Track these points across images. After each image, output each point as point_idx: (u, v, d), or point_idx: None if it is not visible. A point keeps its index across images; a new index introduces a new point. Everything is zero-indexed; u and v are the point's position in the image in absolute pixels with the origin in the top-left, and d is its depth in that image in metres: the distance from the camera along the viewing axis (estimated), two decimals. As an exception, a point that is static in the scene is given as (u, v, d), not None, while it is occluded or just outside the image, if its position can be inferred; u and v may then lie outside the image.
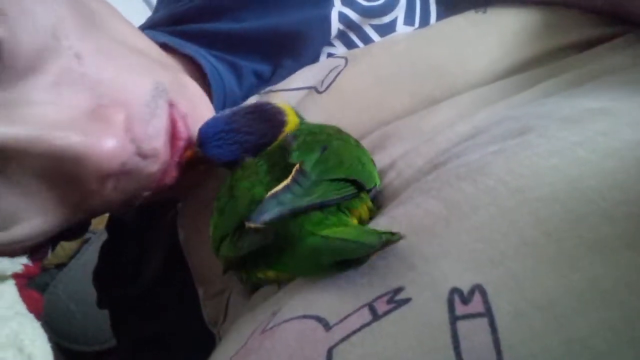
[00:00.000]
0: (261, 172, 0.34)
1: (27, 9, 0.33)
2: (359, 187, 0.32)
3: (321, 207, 0.30)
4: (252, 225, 0.27)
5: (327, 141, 0.34)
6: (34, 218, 0.36)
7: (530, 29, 0.42)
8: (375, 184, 0.35)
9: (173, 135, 0.39)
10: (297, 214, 0.29)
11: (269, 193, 0.29)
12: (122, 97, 0.37)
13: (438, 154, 0.35)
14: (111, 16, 0.42)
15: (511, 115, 0.35)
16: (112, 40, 0.39)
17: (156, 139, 0.37)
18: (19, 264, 0.32)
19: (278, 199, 0.28)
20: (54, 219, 0.37)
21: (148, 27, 0.54)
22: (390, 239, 0.25)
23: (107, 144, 0.34)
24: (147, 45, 0.44)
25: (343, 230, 0.29)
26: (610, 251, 0.21)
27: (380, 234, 0.26)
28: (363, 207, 0.33)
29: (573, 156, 0.26)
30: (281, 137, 0.37)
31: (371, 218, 0.33)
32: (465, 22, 0.44)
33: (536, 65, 0.41)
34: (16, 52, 0.33)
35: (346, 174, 0.31)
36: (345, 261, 0.27)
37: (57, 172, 0.34)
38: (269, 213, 0.27)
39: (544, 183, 0.25)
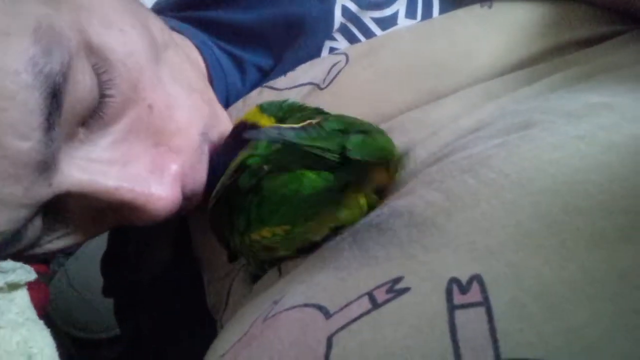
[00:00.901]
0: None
1: (123, 61, 0.34)
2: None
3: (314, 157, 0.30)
4: (247, 136, 0.29)
5: (349, 125, 0.34)
6: (69, 237, 0.38)
7: (537, 24, 0.42)
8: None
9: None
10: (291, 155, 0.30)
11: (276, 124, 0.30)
12: (179, 145, 0.39)
13: (442, 147, 0.36)
14: (167, 47, 0.42)
15: (515, 109, 0.35)
16: (173, 80, 0.40)
17: (199, 182, 0.40)
18: (33, 272, 0.33)
19: (280, 130, 0.29)
20: (87, 237, 0.39)
21: (155, 12, 0.54)
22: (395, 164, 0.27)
23: (166, 195, 0.37)
24: (196, 76, 0.45)
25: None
26: (607, 243, 0.22)
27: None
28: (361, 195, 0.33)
29: (574, 150, 0.27)
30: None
31: (370, 206, 0.34)
32: (470, 17, 0.44)
33: (542, 61, 0.41)
34: (112, 109, 0.35)
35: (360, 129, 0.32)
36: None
37: (110, 210, 0.37)
38: (267, 134, 0.29)
39: (545, 176, 0.26)
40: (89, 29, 0.33)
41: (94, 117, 0.34)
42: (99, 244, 0.60)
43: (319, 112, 0.39)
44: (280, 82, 0.48)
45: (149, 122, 0.37)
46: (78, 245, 0.40)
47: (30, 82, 0.28)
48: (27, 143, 0.29)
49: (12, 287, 0.31)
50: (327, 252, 0.31)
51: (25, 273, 0.31)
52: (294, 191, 0.31)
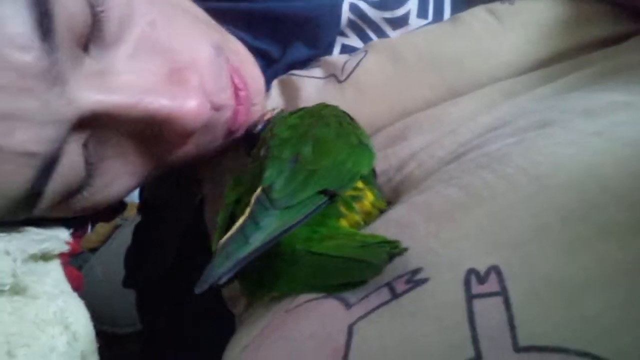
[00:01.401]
0: (245, 174, 0.35)
1: None
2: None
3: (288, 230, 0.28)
4: (197, 292, 0.25)
5: (305, 137, 0.33)
6: (124, 177, 0.39)
7: (559, 22, 0.42)
8: (360, 175, 0.33)
9: (234, 87, 0.42)
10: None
11: (221, 241, 0.27)
12: (192, 58, 0.39)
13: (460, 146, 0.36)
14: None
15: (534, 108, 0.35)
16: (170, 5, 0.41)
17: (224, 92, 0.41)
18: (65, 243, 0.34)
19: (227, 250, 0.26)
20: (139, 176, 0.41)
21: None
22: (394, 252, 0.25)
23: (192, 105, 0.37)
24: (192, 5, 0.46)
25: (336, 244, 0.28)
26: (622, 235, 0.22)
27: (382, 246, 0.26)
28: (363, 203, 0.33)
29: (591, 145, 0.27)
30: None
31: (381, 210, 0.34)
32: (490, 14, 0.44)
33: (562, 59, 0.41)
34: (108, 25, 0.35)
35: (316, 187, 0.30)
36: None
37: (145, 133, 0.38)
38: (212, 277, 0.26)
39: (562, 171, 0.26)
40: None
41: (95, 40, 0.35)
42: (123, 241, 0.61)
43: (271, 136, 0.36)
44: (300, 71, 0.49)
45: (155, 38, 0.38)
46: (124, 192, 0.41)
47: None
48: (28, 54, 0.30)
49: (46, 257, 0.32)
50: None
51: (58, 243, 0.32)
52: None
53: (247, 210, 0.28)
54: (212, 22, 0.46)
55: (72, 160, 0.35)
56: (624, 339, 0.19)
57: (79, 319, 0.31)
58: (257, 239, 0.26)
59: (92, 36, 0.35)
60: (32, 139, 0.32)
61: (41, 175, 0.33)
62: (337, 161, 0.32)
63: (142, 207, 0.62)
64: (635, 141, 0.26)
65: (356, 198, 0.33)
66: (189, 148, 0.40)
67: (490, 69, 0.41)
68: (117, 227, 0.89)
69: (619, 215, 0.23)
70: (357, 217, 0.32)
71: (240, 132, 0.44)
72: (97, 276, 0.82)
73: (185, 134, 0.38)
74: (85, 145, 0.36)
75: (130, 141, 0.38)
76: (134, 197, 0.84)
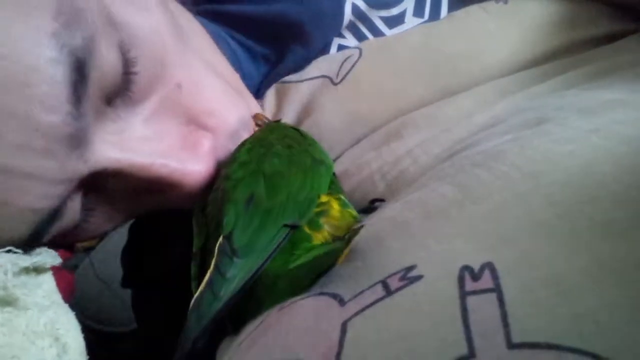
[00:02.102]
0: (205, 217, 0.35)
1: (147, 39, 0.35)
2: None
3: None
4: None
5: (256, 174, 0.33)
6: (116, 218, 0.40)
7: (553, 21, 0.42)
8: (319, 195, 0.34)
9: None
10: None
11: (191, 302, 0.28)
12: (212, 124, 0.40)
13: (455, 143, 0.36)
14: (193, 33, 0.44)
15: (529, 106, 0.35)
16: (201, 62, 0.41)
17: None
18: (57, 257, 0.34)
19: (199, 311, 0.27)
20: (131, 217, 0.42)
21: None
22: (352, 234, 0.26)
23: (200, 170, 0.37)
24: (225, 66, 0.46)
25: (308, 253, 0.30)
26: (619, 232, 0.22)
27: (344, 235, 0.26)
28: (330, 214, 0.33)
29: (588, 143, 0.27)
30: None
31: (353, 215, 0.34)
32: (485, 13, 0.45)
33: (557, 58, 0.41)
34: (139, 86, 0.36)
35: (276, 226, 0.30)
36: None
37: (148, 189, 0.38)
38: (188, 342, 0.26)
39: (558, 168, 0.26)
40: (112, 5, 0.34)
41: (122, 96, 0.35)
42: (122, 236, 0.61)
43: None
44: (295, 76, 0.49)
45: (179, 101, 0.38)
46: (111, 229, 0.41)
47: (54, 56, 0.29)
48: (57, 116, 0.30)
49: (38, 270, 0.32)
50: None
51: (50, 257, 0.32)
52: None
53: (212, 262, 0.29)
54: (244, 89, 0.46)
55: (73, 208, 0.35)
56: (620, 337, 0.19)
57: (69, 330, 0.31)
58: (226, 292, 0.27)
59: (120, 93, 0.35)
60: (41, 196, 0.32)
61: (43, 225, 0.33)
62: (292, 193, 0.32)
63: None
64: (631, 139, 0.26)
65: (321, 214, 0.33)
66: (186, 203, 0.41)
67: (485, 67, 0.41)
68: (113, 226, 0.89)
69: (616, 212, 0.23)
70: (326, 233, 0.32)
71: None
72: (91, 276, 0.82)
73: (188, 196, 0.38)
74: (85, 195, 0.36)
75: (130, 193, 0.38)
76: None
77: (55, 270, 0.35)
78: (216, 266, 0.28)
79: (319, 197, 0.33)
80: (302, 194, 0.32)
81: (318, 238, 0.32)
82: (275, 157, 0.34)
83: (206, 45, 0.44)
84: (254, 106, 0.46)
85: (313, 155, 0.36)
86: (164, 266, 0.55)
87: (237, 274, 0.28)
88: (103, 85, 0.33)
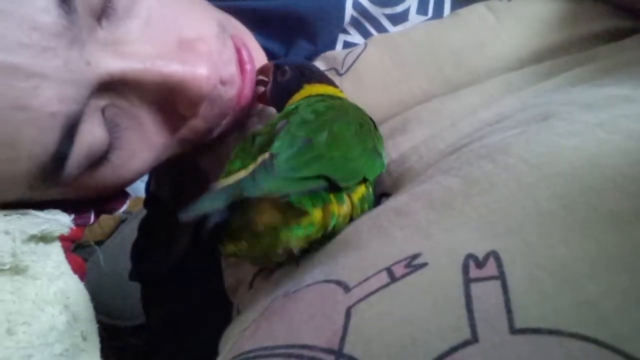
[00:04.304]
0: (254, 145, 0.35)
1: None
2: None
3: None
4: (181, 219, 0.26)
5: (324, 126, 0.34)
6: (143, 150, 0.41)
7: (556, 17, 0.43)
8: (364, 178, 0.34)
9: (240, 61, 0.45)
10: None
11: (215, 185, 0.28)
12: (198, 32, 0.42)
13: (460, 139, 0.36)
14: None
15: (536, 102, 0.36)
16: None
17: (230, 65, 0.43)
18: (66, 226, 0.34)
19: (219, 193, 0.27)
20: (157, 151, 0.43)
21: None
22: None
23: (202, 71, 0.39)
24: None
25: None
26: (623, 223, 0.22)
27: None
28: (352, 198, 0.33)
29: (593, 136, 0.27)
30: (292, 100, 0.40)
31: (351, 218, 0.34)
32: (488, 10, 0.45)
33: (562, 54, 0.41)
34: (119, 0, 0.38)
35: (320, 171, 0.30)
36: None
37: (159, 101, 0.40)
38: (198, 210, 0.26)
39: (564, 161, 0.26)
40: None
41: (107, 12, 0.37)
42: (127, 234, 0.62)
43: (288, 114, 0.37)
44: None
45: (163, 13, 0.40)
46: (143, 165, 0.42)
47: None
48: (49, 15, 0.33)
49: (46, 239, 0.32)
50: (345, 236, 0.32)
51: (58, 225, 0.32)
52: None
53: (250, 167, 0.29)
54: (211, 5, 0.48)
55: (93, 125, 0.37)
56: (624, 324, 0.19)
57: (79, 299, 0.31)
58: (251, 193, 0.27)
59: (105, 10, 0.37)
60: (55, 98, 0.33)
61: (65, 136, 0.35)
62: (346, 156, 0.33)
63: (148, 201, 0.62)
64: (636, 133, 0.26)
65: (349, 189, 0.33)
66: (199, 122, 0.42)
67: (487, 61, 0.42)
68: (122, 221, 0.90)
69: (621, 203, 0.23)
70: (345, 209, 0.33)
71: (244, 111, 0.46)
72: (101, 269, 0.83)
73: (196, 99, 0.40)
74: (103, 113, 0.38)
75: (145, 110, 0.40)
76: (140, 192, 0.84)
77: (68, 252, 0.36)
78: (252, 172, 0.28)
79: (363, 178, 0.34)
80: (353, 164, 0.33)
81: (337, 210, 0.32)
82: (346, 124, 0.35)
83: None
84: (233, 20, 0.48)
85: (377, 145, 0.37)
86: (172, 261, 0.56)
87: (267, 186, 0.27)
88: (88, 2, 0.35)
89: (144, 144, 0.41)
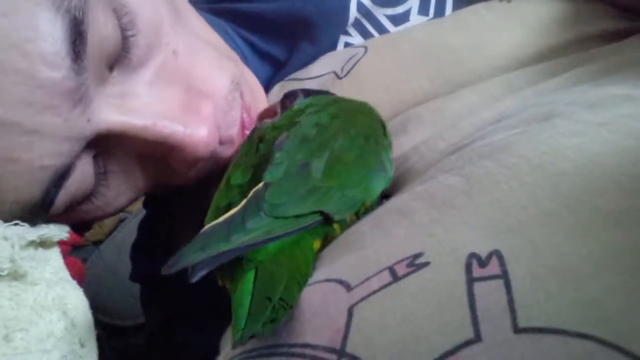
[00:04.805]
0: (258, 152, 0.34)
1: (142, 7, 0.37)
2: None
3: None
4: (164, 273, 0.25)
5: (325, 145, 0.32)
6: (127, 191, 0.41)
7: (556, 17, 0.43)
8: (363, 202, 0.32)
9: (242, 125, 0.44)
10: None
11: (204, 228, 0.27)
12: (208, 90, 0.41)
13: (461, 138, 0.36)
14: (188, 10, 0.45)
15: (538, 102, 0.36)
16: (194, 35, 0.43)
17: (232, 128, 0.43)
18: (65, 231, 0.34)
19: (205, 242, 0.25)
20: (140, 192, 0.42)
21: None
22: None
23: (202, 134, 0.39)
24: (215, 37, 0.47)
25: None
26: (627, 222, 0.22)
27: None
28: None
29: (596, 136, 0.27)
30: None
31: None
32: (488, 10, 0.45)
33: (563, 53, 0.41)
34: (136, 50, 0.37)
35: (315, 207, 0.29)
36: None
37: (152, 155, 0.39)
38: (181, 264, 0.25)
39: (566, 160, 0.26)
40: None
41: (121, 61, 0.36)
42: (127, 234, 0.62)
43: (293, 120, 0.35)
44: (302, 73, 0.49)
45: (176, 67, 0.40)
46: (125, 203, 0.42)
47: (52, 16, 0.31)
48: (58, 72, 0.31)
49: (45, 244, 0.32)
50: (347, 236, 0.32)
51: (57, 230, 0.32)
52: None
53: (241, 204, 0.28)
54: (233, 54, 0.48)
55: (83, 172, 0.36)
56: (628, 323, 0.19)
57: (77, 306, 0.31)
58: (238, 240, 0.25)
59: (119, 58, 0.36)
60: (48, 153, 0.33)
61: (54, 186, 0.34)
62: (345, 185, 0.31)
63: (148, 201, 0.62)
64: (638, 132, 0.26)
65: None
66: (191, 174, 0.42)
67: (488, 61, 0.42)
68: (121, 220, 0.90)
69: (624, 202, 0.23)
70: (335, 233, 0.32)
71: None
72: (100, 269, 0.83)
73: (192, 160, 0.39)
74: (95, 159, 0.37)
75: (137, 160, 0.40)
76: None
77: (66, 256, 0.36)
78: (242, 210, 0.27)
79: (364, 202, 0.32)
80: (352, 193, 0.31)
81: (325, 239, 0.32)
82: (349, 141, 0.33)
83: (199, 21, 0.46)
84: (249, 74, 0.48)
85: (382, 159, 0.35)
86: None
87: (257, 229, 0.26)
88: (102, 48, 0.34)
89: (130, 186, 0.41)
